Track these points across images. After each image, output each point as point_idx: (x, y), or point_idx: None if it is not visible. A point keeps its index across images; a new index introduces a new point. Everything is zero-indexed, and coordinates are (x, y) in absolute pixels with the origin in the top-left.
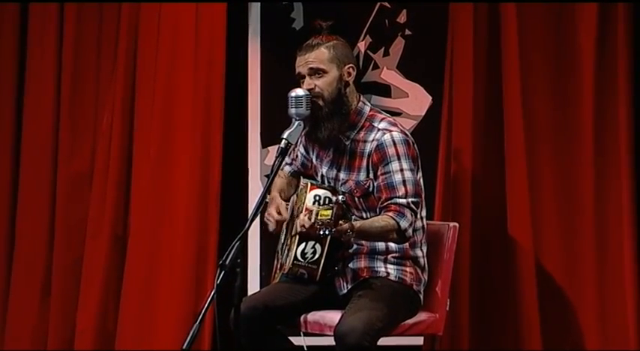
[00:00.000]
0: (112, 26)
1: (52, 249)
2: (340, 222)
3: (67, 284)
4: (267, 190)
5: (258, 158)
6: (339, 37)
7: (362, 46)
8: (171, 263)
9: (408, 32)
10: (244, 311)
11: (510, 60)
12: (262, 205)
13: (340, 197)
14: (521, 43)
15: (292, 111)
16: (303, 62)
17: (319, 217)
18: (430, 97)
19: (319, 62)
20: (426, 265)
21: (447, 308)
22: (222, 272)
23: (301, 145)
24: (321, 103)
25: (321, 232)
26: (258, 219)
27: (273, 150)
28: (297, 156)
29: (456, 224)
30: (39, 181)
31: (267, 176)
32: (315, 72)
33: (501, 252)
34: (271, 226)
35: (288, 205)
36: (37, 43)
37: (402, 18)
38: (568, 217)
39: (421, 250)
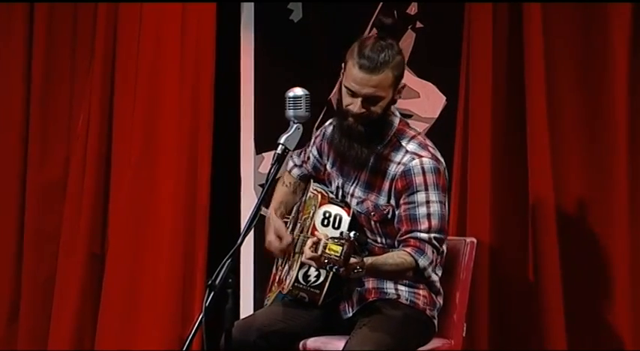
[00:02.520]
0: (87, 26)
1: (20, 268)
2: (351, 258)
3: (37, 307)
4: (262, 202)
5: (252, 166)
6: (398, 44)
7: None
8: (154, 284)
9: (419, 25)
10: (236, 337)
11: (534, 60)
12: (256, 219)
13: (353, 233)
14: (546, 44)
15: (290, 113)
16: (364, 83)
17: (327, 252)
18: (444, 97)
19: (382, 89)
20: (441, 290)
21: (464, 334)
22: (212, 293)
23: (314, 147)
24: (361, 124)
25: (327, 268)
26: (252, 234)
27: (268, 156)
28: (308, 158)
29: (474, 240)
30: (6, 191)
31: (262, 186)
32: (374, 99)
33: (524, 271)
34: (276, 254)
35: (289, 218)
36: (3, 43)
37: (412, 9)
38: (599, 231)
39: (436, 273)
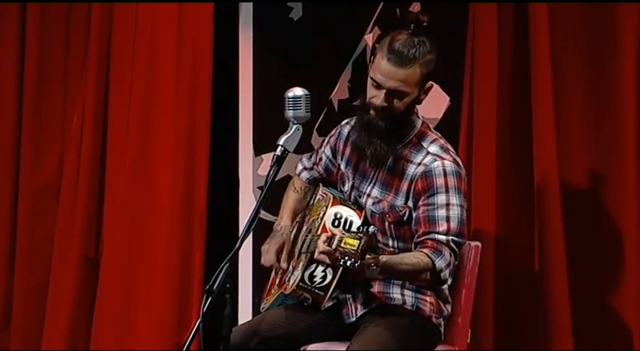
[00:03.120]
0: (81, 25)
1: (12, 272)
2: (367, 256)
3: (30, 313)
4: (261, 205)
5: (250, 168)
6: (432, 42)
7: (369, 39)
8: (150, 289)
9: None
10: (235, 343)
11: (540, 60)
12: (255, 222)
13: (372, 228)
14: (553, 43)
15: (290, 113)
16: (391, 76)
17: (342, 246)
18: (448, 98)
19: (406, 85)
20: (449, 297)
21: (469, 340)
22: (209, 299)
23: (328, 147)
24: (383, 121)
25: (342, 263)
26: (250, 238)
27: (267, 158)
28: (320, 159)
29: (478, 244)
30: None
31: (261, 188)
32: (397, 92)
33: (531, 275)
34: (264, 261)
35: (291, 229)
36: None
37: (415, 7)
38: (609, 234)
39: None
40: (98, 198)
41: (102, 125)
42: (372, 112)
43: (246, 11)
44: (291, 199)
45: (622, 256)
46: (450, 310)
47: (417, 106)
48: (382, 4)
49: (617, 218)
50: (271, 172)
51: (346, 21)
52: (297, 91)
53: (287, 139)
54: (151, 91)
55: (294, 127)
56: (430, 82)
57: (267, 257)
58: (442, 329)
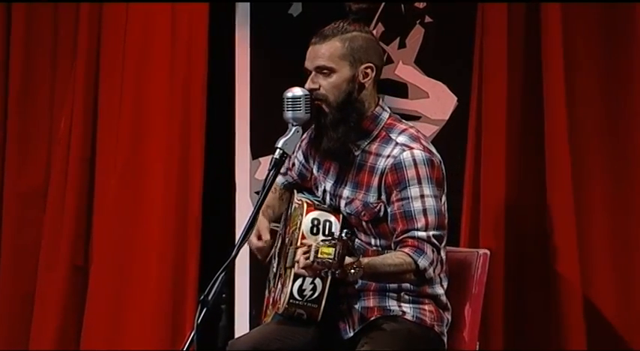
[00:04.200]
0: (69, 25)
1: None
2: (347, 258)
3: (15, 324)
4: (258, 210)
5: (247, 172)
6: (365, 26)
7: None
8: (142, 299)
9: (428, 19)
10: None
11: (553, 61)
12: (253, 229)
13: (344, 232)
14: (566, 44)
15: (288, 115)
16: (312, 55)
17: (319, 256)
18: (455, 98)
19: (328, 59)
20: (449, 304)
21: None
22: (204, 310)
23: (300, 152)
24: (325, 108)
25: (322, 274)
26: (247, 245)
27: (265, 161)
28: (293, 164)
29: (487, 251)
30: None
31: (259, 193)
32: (322, 70)
33: (542, 285)
34: (259, 256)
35: (274, 226)
36: None
37: (421, 3)
38: (623, 241)
39: (442, 286)
40: (87, 204)
41: (91, 127)
42: (316, 102)
43: (242, 10)
44: (268, 199)
45: (638, 257)
46: (450, 318)
47: (384, 102)
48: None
49: (634, 221)
50: (269, 176)
51: (348, 18)
52: (297, 91)
53: (286, 142)
54: (143, 92)
55: (294, 128)
56: (369, 63)
57: (253, 243)
58: (445, 339)
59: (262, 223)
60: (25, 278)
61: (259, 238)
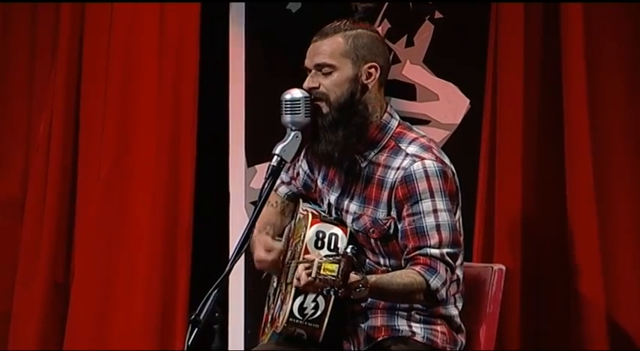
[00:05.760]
0: (48, 24)
1: None
2: (352, 275)
3: None
4: (254, 222)
5: (242, 180)
6: (371, 26)
7: None
8: (127, 318)
9: (438, 15)
10: None
11: (574, 63)
12: (248, 242)
13: (350, 248)
14: (588, 45)
15: (287, 118)
16: (312, 53)
17: (322, 272)
18: (467, 100)
19: (329, 56)
20: (463, 326)
21: None
22: (195, 330)
23: (304, 161)
24: (324, 108)
25: (324, 292)
26: (242, 260)
27: (261, 169)
28: (297, 174)
29: (502, 267)
30: None
31: (255, 203)
32: (322, 67)
33: (562, 304)
34: (272, 271)
35: (280, 241)
36: None
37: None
38: None
39: (456, 307)
40: (68, 215)
41: (72, 133)
42: (318, 105)
43: (236, 7)
44: (263, 213)
45: None
46: (464, 340)
47: (392, 108)
48: None
49: None
50: (266, 185)
51: (351, 14)
52: (296, 92)
53: (284, 148)
54: (130, 95)
55: (292, 133)
56: (372, 63)
57: (265, 260)
58: None
59: (267, 239)
60: (1, 296)
61: (269, 250)
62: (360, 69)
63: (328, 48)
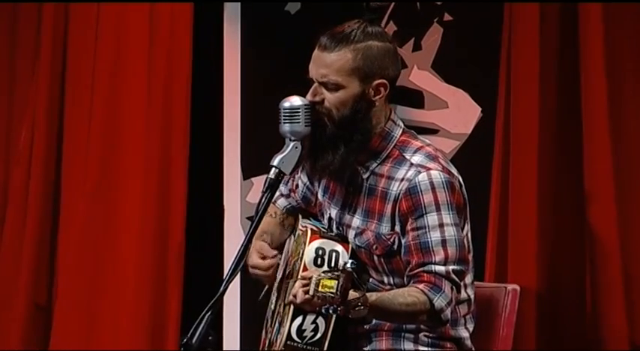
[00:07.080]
0: (30, 27)
1: None
2: (351, 293)
3: None
4: (251, 238)
5: (238, 194)
6: (383, 32)
7: None
8: (114, 344)
9: (447, 18)
10: None
11: (594, 67)
12: (244, 260)
13: (349, 263)
14: (608, 49)
15: (286, 128)
16: (318, 62)
17: (320, 290)
18: (479, 109)
19: (335, 72)
20: (474, 349)
21: None
22: None
23: (304, 173)
24: (326, 121)
25: (323, 311)
26: (237, 280)
27: (258, 182)
28: (297, 186)
29: (517, 287)
30: None
31: (251, 219)
32: (327, 84)
33: (581, 327)
34: (266, 281)
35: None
36: None
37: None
38: None
39: (466, 328)
40: (51, 232)
41: (55, 143)
42: (320, 118)
43: (231, 8)
44: (264, 223)
45: None
46: None
47: (396, 115)
48: None
49: None
50: (263, 199)
51: (354, 15)
52: (295, 100)
53: (282, 159)
54: (117, 102)
55: (292, 144)
56: (382, 79)
57: (260, 266)
58: None
59: (263, 245)
60: None
61: (264, 257)
62: (369, 86)
63: (335, 63)
